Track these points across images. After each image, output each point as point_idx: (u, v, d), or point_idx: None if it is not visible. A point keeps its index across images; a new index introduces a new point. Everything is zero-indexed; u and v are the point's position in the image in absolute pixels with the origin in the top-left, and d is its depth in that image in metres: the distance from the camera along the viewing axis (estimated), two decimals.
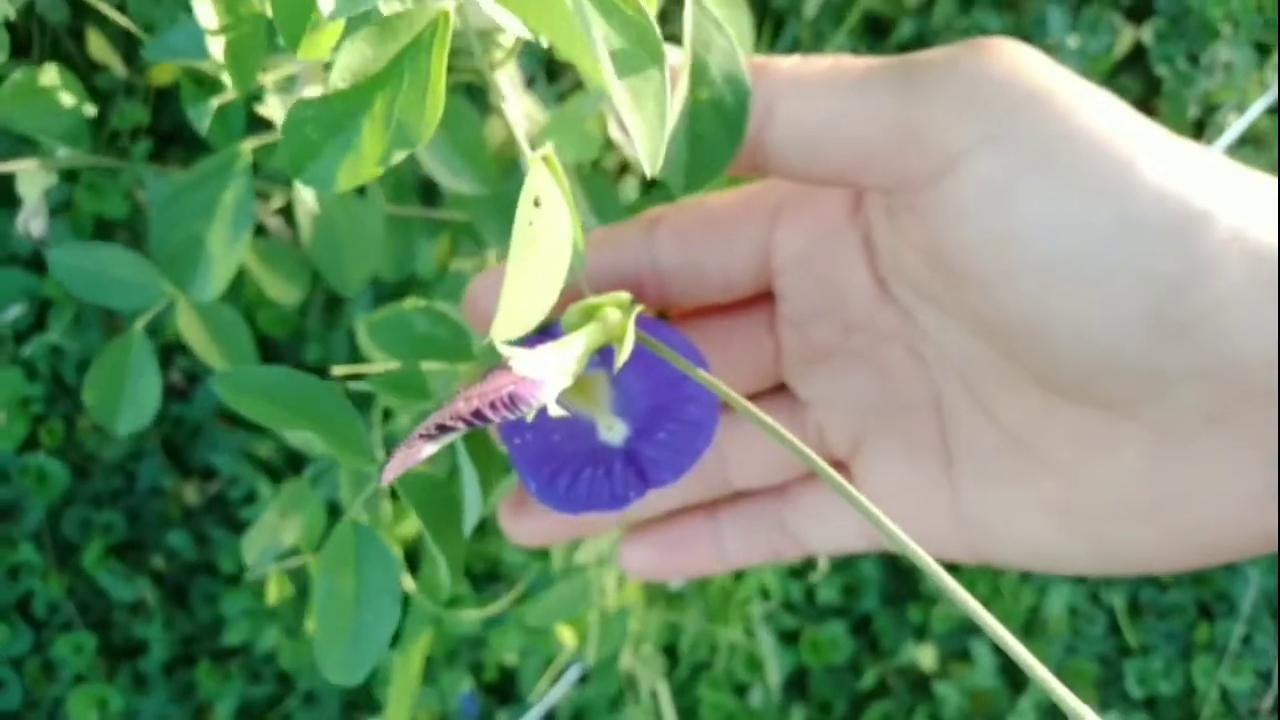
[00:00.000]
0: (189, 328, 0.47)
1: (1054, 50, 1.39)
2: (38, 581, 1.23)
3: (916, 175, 0.28)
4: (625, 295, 0.27)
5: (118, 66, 0.39)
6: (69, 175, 1.03)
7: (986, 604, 1.39)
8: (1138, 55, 1.47)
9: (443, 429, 0.24)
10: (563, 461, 0.30)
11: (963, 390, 0.31)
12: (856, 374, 0.32)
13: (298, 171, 0.25)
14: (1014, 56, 0.27)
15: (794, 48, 1.35)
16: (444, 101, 0.24)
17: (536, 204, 0.23)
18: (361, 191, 0.46)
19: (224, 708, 1.23)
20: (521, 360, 0.24)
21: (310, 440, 0.59)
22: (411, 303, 0.39)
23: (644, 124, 0.23)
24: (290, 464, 1.27)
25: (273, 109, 0.41)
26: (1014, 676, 1.37)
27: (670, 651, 1.06)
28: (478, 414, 0.24)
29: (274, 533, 0.56)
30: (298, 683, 1.24)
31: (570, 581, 0.65)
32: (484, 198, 0.43)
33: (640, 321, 0.27)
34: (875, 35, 1.36)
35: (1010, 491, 0.30)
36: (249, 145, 0.41)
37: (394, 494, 0.62)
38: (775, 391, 0.34)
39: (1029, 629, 1.36)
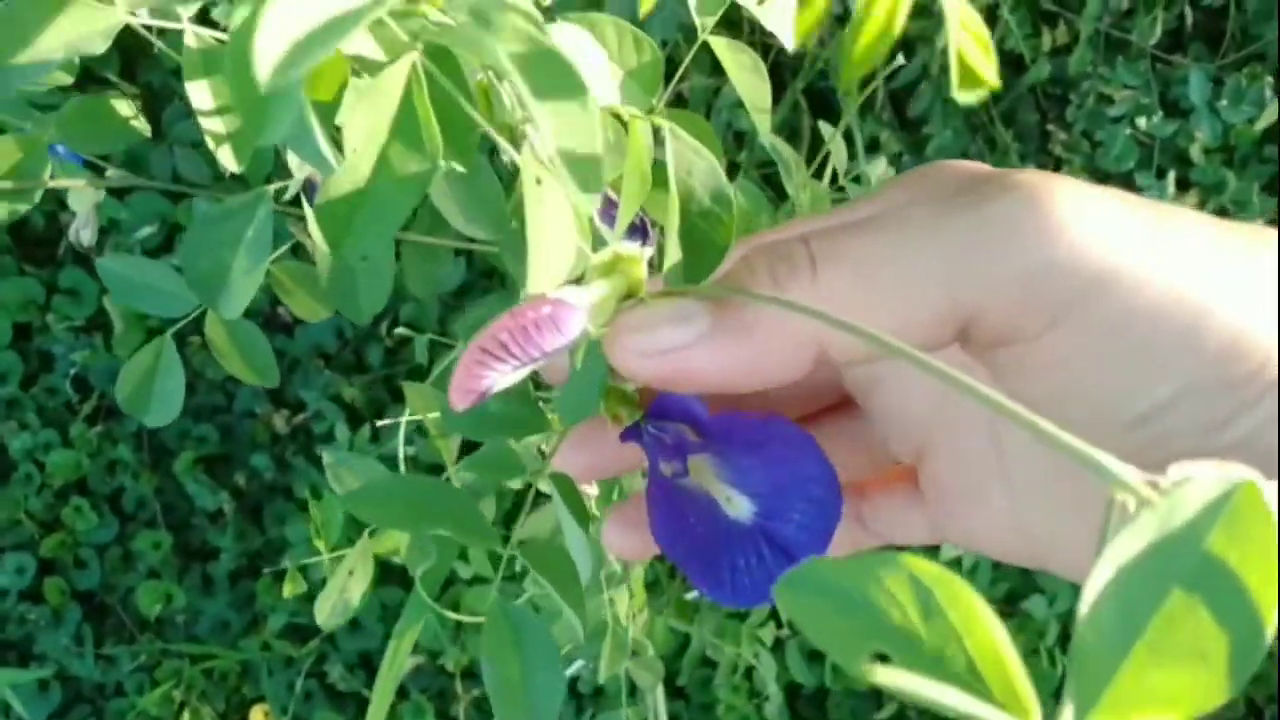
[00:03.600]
0: (216, 336, 0.52)
1: (1195, 114, 1.34)
2: (130, 479, 1.34)
3: (973, 346, 0.28)
4: (639, 249, 0.28)
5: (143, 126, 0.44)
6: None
7: (1024, 659, 1.38)
8: None
9: (492, 353, 0.25)
10: (717, 555, 0.30)
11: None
12: (917, 389, 0.32)
13: (336, 247, 0.27)
14: (1075, 230, 0.26)
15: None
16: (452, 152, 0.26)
17: (538, 182, 0.26)
18: None
19: (276, 621, 1.32)
20: (558, 290, 0.25)
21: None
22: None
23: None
24: (371, 408, 1.34)
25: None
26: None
27: (674, 661, 1.10)
28: (524, 333, 0.25)
29: (343, 592, 0.61)
30: None
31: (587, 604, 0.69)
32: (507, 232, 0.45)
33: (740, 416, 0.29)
34: (1013, 70, 1.33)
35: (1061, 512, 0.31)
36: (273, 187, 0.46)
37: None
38: (837, 406, 0.35)
39: (1060, 694, 1.35)
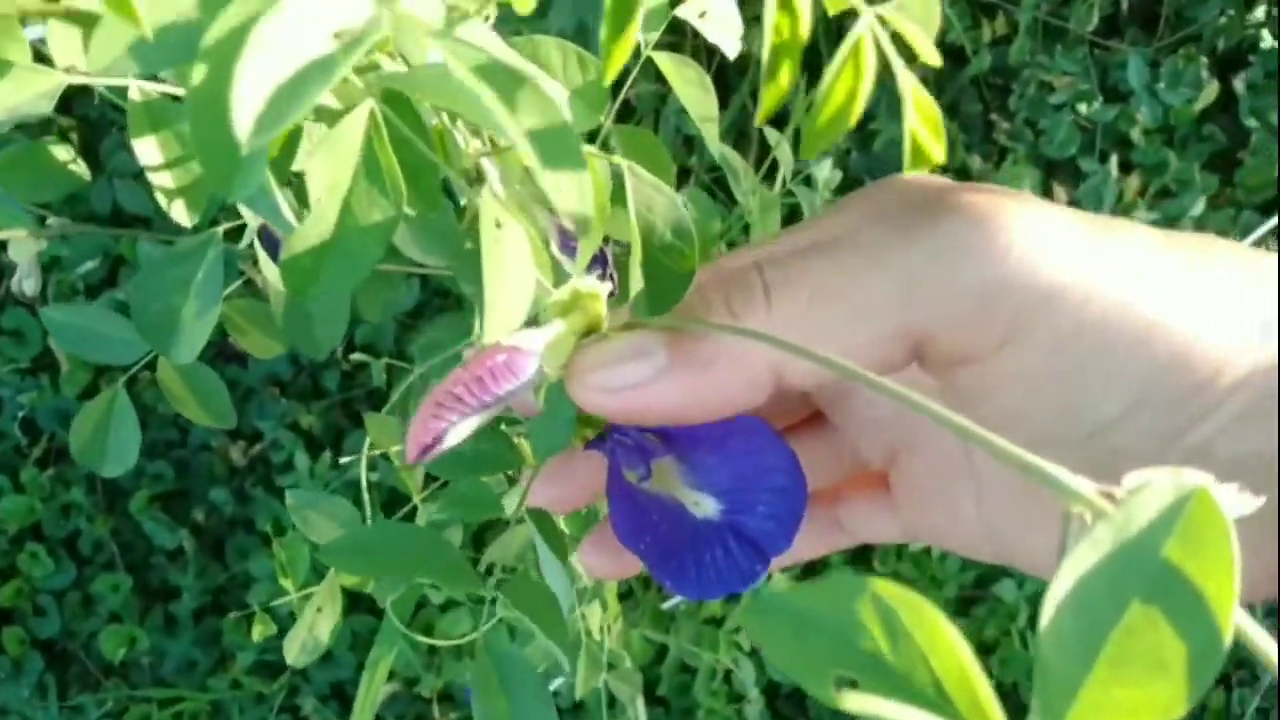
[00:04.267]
0: (168, 380, 0.50)
1: (1135, 98, 1.36)
2: (85, 521, 1.31)
3: (930, 365, 0.28)
4: (601, 285, 0.28)
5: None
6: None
7: (994, 646, 1.39)
8: (1226, 105, 1.42)
9: (447, 406, 0.26)
10: (682, 551, 0.31)
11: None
12: (884, 399, 0.33)
13: (302, 294, 0.26)
14: (1023, 248, 0.26)
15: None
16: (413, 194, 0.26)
17: (497, 224, 0.26)
18: None
19: (244, 658, 1.30)
20: (514, 335, 0.26)
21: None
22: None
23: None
24: (330, 434, 1.32)
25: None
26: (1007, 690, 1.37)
27: (652, 669, 1.10)
28: (479, 383, 0.25)
29: (312, 629, 0.60)
30: None
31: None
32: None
33: None
34: (955, 62, 1.34)
35: (1028, 513, 0.31)
36: (222, 229, 0.44)
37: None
38: (809, 418, 0.36)
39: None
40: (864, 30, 0.24)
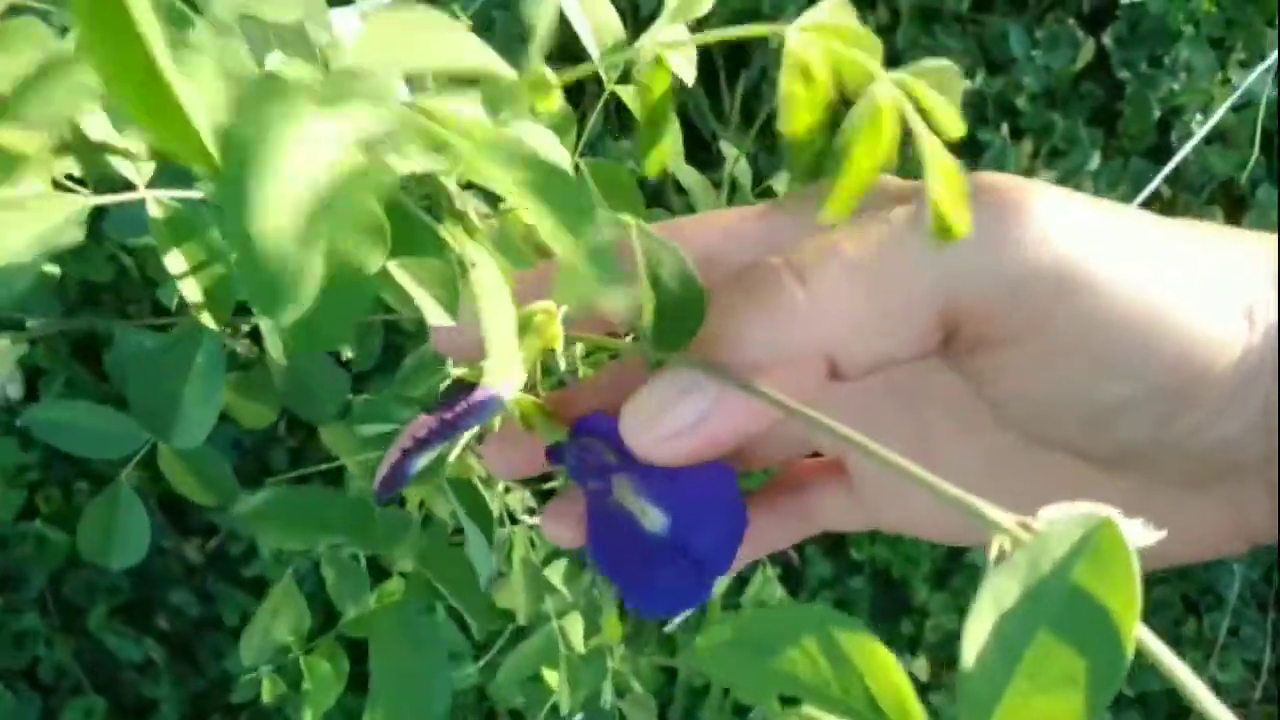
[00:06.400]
0: (170, 466, 0.49)
1: (1016, 66, 1.41)
2: (43, 647, 1.26)
3: (953, 350, 0.28)
4: (551, 304, 0.29)
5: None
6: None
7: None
8: (1100, 62, 1.49)
9: (415, 448, 0.27)
10: (637, 568, 0.32)
11: (943, 417, 0.33)
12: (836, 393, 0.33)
13: (306, 348, 0.27)
14: (1056, 237, 0.26)
15: (759, 82, 1.37)
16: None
17: (472, 264, 0.26)
18: None
19: None
20: (482, 370, 0.26)
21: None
22: (390, 394, 0.42)
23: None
24: None
25: None
26: None
27: (664, 693, 1.09)
28: (447, 425, 0.26)
29: (267, 632, 0.59)
30: None
31: (536, 636, 0.69)
32: None
33: None
34: None
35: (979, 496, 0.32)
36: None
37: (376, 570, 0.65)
38: None
39: None
40: (884, 98, 0.24)
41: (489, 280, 0.23)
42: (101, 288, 1.12)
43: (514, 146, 0.20)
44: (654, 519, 0.31)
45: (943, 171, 0.24)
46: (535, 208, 0.20)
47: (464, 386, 0.26)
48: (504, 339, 0.24)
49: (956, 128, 0.24)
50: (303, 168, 0.17)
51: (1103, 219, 0.27)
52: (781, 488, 0.36)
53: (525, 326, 0.28)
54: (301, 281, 0.20)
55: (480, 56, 0.21)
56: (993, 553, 0.20)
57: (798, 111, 0.26)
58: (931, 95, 0.25)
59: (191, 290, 0.34)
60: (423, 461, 0.28)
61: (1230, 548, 0.31)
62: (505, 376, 0.26)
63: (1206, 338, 0.27)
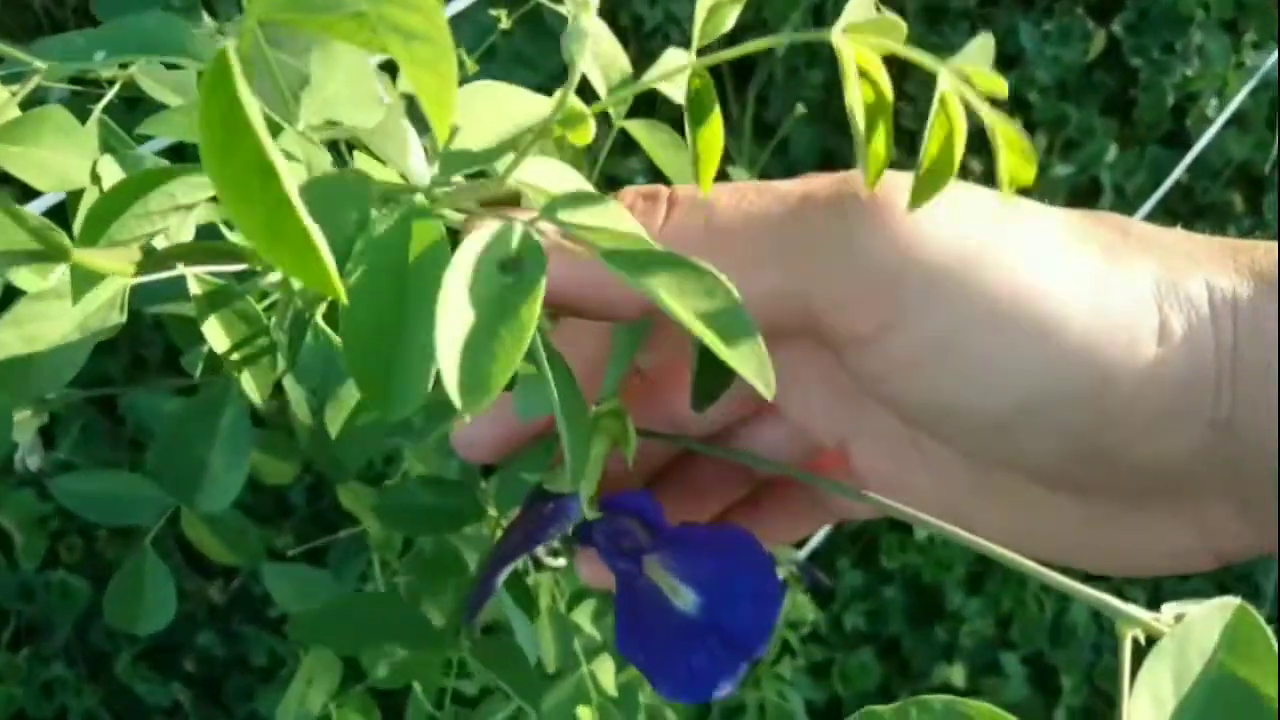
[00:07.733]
0: (195, 530, 0.48)
1: (1027, 60, 1.39)
2: (72, 696, 1.24)
3: (825, 342, 0.28)
4: (617, 403, 0.29)
5: None
6: None
7: (1011, 616, 1.40)
8: (1111, 50, 1.47)
9: (505, 558, 0.28)
10: (669, 652, 0.31)
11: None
12: (818, 392, 0.33)
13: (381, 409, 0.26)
14: (910, 225, 0.26)
15: (769, 82, 1.35)
16: None
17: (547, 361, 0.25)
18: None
19: None
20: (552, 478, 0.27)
21: None
22: (413, 470, 0.40)
23: None
24: (310, 558, 1.27)
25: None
26: (1045, 685, 1.37)
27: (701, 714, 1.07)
28: (530, 537, 0.28)
29: (303, 700, 0.57)
30: None
31: (566, 683, 0.68)
32: None
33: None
34: None
35: (979, 488, 0.32)
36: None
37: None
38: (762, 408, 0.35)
39: (1055, 635, 1.37)
40: (947, 87, 0.24)
41: (564, 382, 0.22)
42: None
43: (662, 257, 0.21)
44: (686, 597, 0.31)
45: (1005, 137, 0.24)
46: (703, 332, 0.21)
47: (542, 495, 0.27)
48: (581, 442, 0.24)
49: (1001, 89, 0.25)
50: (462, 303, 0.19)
51: (988, 216, 0.26)
52: (792, 480, 0.35)
53: (594, 427, 0.29)
54: (494, 382, 0.21)
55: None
56: (1126, 643, 0.21)
57: (870, 117, 0.24)
58: (980, 70, 0.25)
59: (232, 362, 0.33)
60: (506, 574, 0.29)
61: (1205, 566, 0.30)
62: (584, 482, 0.25)
63: (1098, 346, 0.25)
